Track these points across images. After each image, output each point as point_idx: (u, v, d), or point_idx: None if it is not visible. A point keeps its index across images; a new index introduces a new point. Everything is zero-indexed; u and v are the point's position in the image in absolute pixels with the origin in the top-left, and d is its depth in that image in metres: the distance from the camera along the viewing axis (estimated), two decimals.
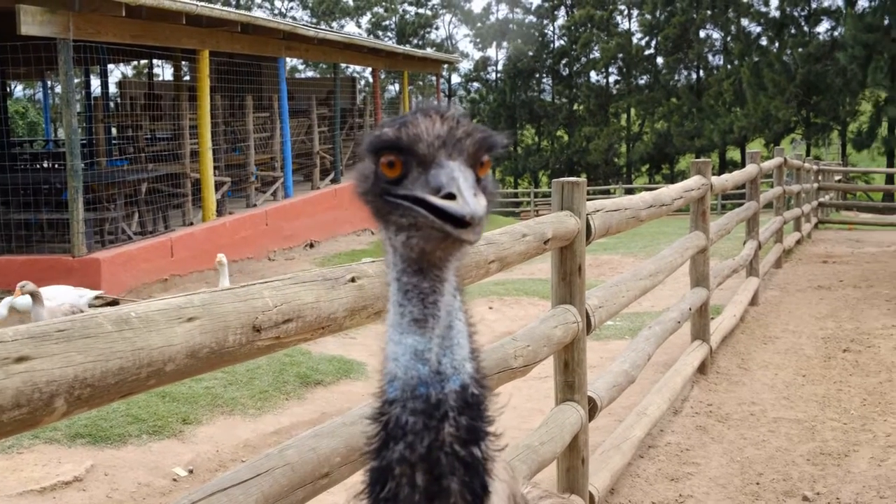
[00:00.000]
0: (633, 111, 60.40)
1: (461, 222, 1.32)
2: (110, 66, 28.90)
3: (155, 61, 29.31)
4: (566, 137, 61.06)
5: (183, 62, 22.26)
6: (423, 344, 1.43)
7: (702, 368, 8.37)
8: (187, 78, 22.75)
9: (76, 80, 15.01)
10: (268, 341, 2.39)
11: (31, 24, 12.60)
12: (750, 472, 6.18)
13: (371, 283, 2.86)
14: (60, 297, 10.55)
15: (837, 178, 28.01)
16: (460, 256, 1.47)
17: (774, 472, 6.17)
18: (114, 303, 10.81)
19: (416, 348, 1.43)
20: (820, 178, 23.31)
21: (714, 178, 8.81)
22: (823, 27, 52.64)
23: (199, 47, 17.18)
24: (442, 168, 1.37)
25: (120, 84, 30.29)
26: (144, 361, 1.98)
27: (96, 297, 10.99)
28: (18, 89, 61.21)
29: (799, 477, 6.07)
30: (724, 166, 50.82)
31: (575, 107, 62.11)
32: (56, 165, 19.09)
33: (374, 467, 1.42)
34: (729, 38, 56.07)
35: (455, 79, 66.84)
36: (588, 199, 5.04)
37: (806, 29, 52.21)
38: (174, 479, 6.45)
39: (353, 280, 2.78)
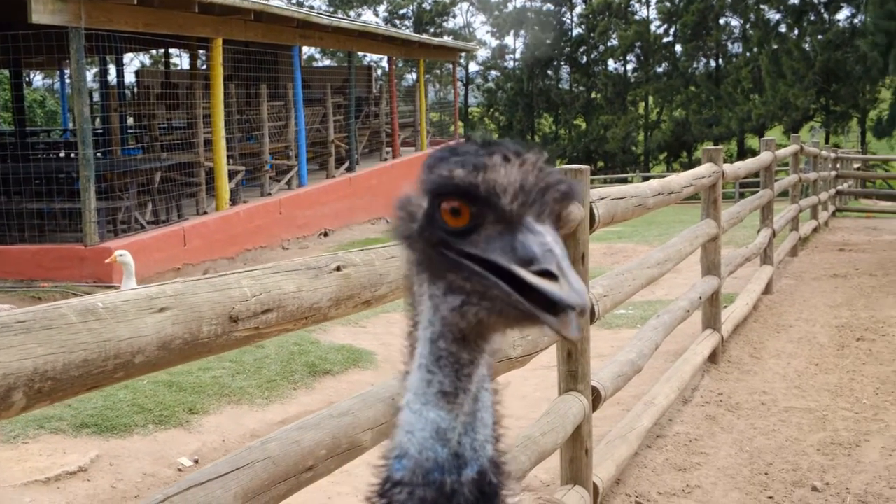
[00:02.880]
0: (650, 99, 60.05)
1: (560, 309, 1.09)
2: (128, 56, 28.97)
3: (174, 51, 29.40)
4: (584, 126, 60.73)
5: (199, 51, 22.27)
6: (448, 422, 1.21)
7: (712, 357, 8.28)
8: (204, 67, 22.77)
9: (94, 70, 15.03)
10: (246, 332, 2.34)
11: (43, 12, 12.61)
12: (759, 463, 6.11)
13: (358, 273, 2.80)
14: None
15: (856, 165, 27.74)
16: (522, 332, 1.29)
17: (784, 462, 6.10)
18: None
19: (439, 426, 1.21)
20: (838, 165, 23.10)
21: (726, 166, 8.71)
22: (843, 14, 52.20)
23: (212, 35, 17.17)
24: (532, 234, 1.14)
25: (137, 73, 30.39)
26: (111, 353, 1.93)
27: None
28: (38, 78, 61.45)
29: (808, 467, 5.99)
30: (743, 154, 50.44)
31: (592, 95, 61.75)
32: (71, 155, 19.14)
33: None
34: (748, 26, 55.63)
35: (472, 67, 66.71)
36: (605, 187, 4.97)
37: (826, 16, 51.80)
38: (179, 469, 6.42)
39: (338, 269, 2.73)
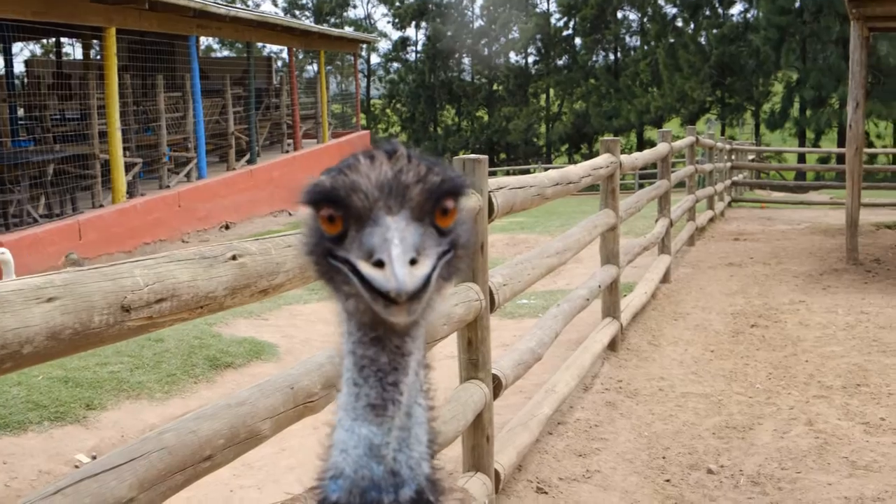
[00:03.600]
0: (551, 91, 60.64)
1: (388, 298, 1.09)
2: (18, 45, 28.12)
3: (67, 40, 28.66)
4: (486, 117, 61.08)
5: (93, 41, 21.75)
6: (380, 437, 1.19)
7: (612, 345, 8.42)
8: (98, 57, 22.27)
9: None
10: (139, 321, 2.30)
11: None
12: (657, 447, 6.23)
13: (254, 261, 2.78)
14: None
15: (751, 157, 28.43)
16: (422, 326, 1.23)
17: (681, 445, 6.23)
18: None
19: (372, 441, 1.19)
20: (733, 157, 23.66)
21: (623, 157, 8.84)
22: (737, 9, 53.61)
23: (105, 25, 16.78)
24: (378, 227, 1.14)
25: (27, 63, 29.55)
26: None
27: None
28: None
29: (704, 450, 6.13)
30: (642, 145, 51.38)
31: (494, 87, 62.14)
32: None
33: None
34: (646, 19, 56.60)
35: (374, 59, 66.50)
36: (505, 178, 5.02)
37: (720, 10, 53.12)
38: (76, 466, 6.28)
39: (234, 258, 2.70)
